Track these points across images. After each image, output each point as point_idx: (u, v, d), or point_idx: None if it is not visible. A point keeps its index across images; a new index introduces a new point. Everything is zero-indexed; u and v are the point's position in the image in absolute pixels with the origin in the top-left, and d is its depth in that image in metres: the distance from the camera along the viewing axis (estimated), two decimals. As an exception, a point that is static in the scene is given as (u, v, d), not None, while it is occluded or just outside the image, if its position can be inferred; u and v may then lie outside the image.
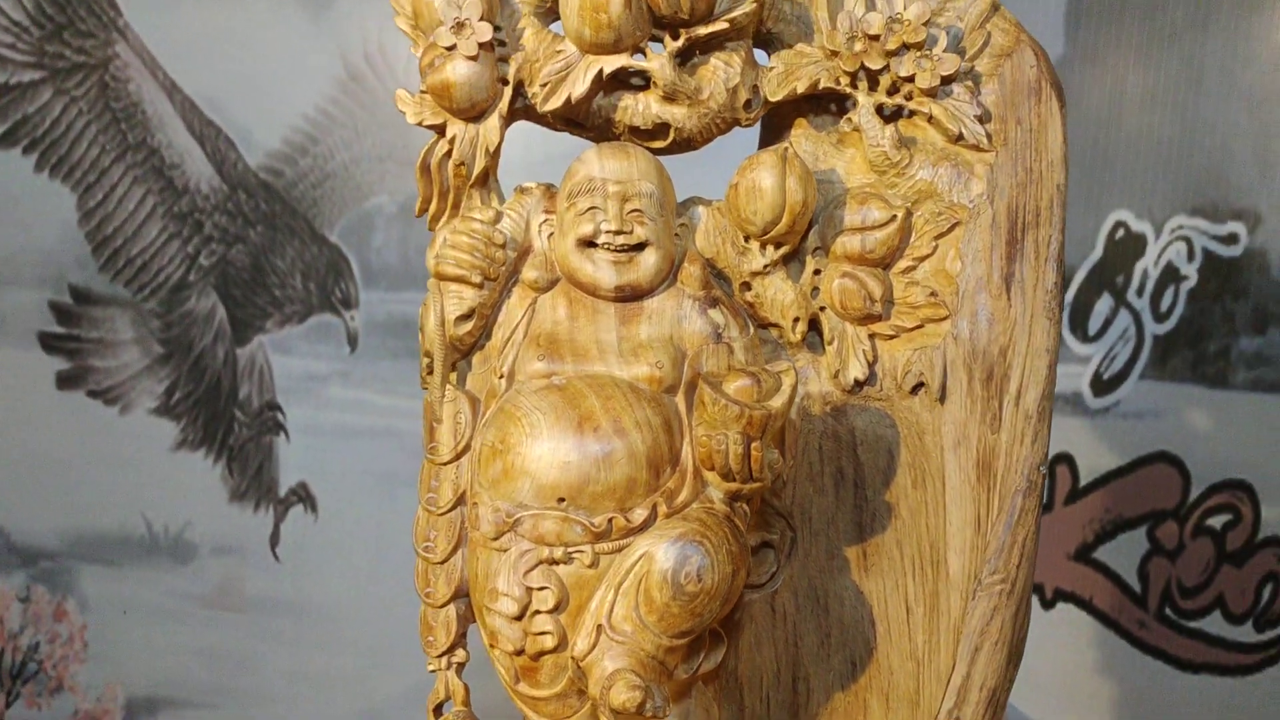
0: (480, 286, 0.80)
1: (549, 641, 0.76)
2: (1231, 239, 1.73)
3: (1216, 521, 1.79)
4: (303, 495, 1.90)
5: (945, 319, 0.80)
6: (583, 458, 0.75)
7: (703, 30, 0.78)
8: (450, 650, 0.84)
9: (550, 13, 0.82)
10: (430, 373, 0.82)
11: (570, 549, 0.75)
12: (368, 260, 1.84)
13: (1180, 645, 1.81)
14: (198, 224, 1.86)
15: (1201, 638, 1.80)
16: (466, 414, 0.81)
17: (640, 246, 0.79)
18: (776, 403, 0.73)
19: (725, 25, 0.78)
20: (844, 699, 0.86)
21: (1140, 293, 1.77)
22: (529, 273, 0.82)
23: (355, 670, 1.89)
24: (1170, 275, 1.75)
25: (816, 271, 0.82)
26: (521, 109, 0.83)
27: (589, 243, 0.79)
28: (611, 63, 0.78)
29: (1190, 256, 1.74)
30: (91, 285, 1.87)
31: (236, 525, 1.90)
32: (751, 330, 0.82)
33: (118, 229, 1.85)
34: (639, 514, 0.75)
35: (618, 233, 0.78)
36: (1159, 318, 1.77)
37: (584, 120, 0.83)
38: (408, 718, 1.84)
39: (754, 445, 0.73)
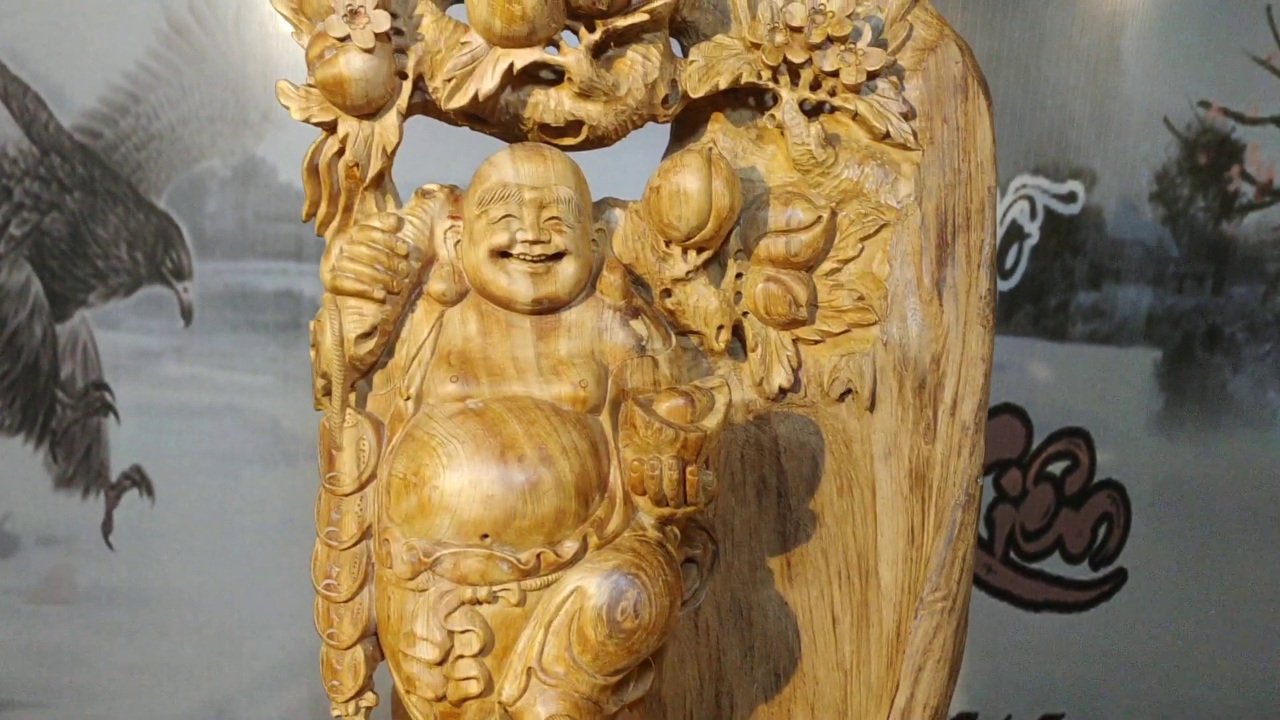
0: (382, 301, 0.73)
1: (474, 687, 0.70)
2: (1071, 197, 1.78)
3: (1056, 468, 1.87)
4: (137, 479, 1.79)
5: (873, 324, 0.77)
6: (507, 490, 0.69)
7: (621, 22, 0.72)
8: (358, 694, 0.77)
9: (449, -3, 0.75)
10: (327, 394, 0.74)
11: (495, 588, 0.70)
12: (200, 228, 1.71)
13: (1024, 586, 1.89)
14: (5, 190, 1.70)
15: (1043, 578, 1.89)
16: (370, 440, 0.74)
17: (558, 256, 0.73)
18: (711, 423, 0.69)
19: (645, 16, 0.72)
20: (768, 710, 0.84)
21: (987, 250, 1.80)
22: (435, 285, 0.75)
23: (200, 659, 1.80)
24: (1015, 233, 1.79)
25: (738, 275, 0.78)
26: (420, 104, 0.75)
27: (503, 253, 0.73)
28: (524, 57, 0.72)
29: (1033, 215, 1.79)
30: (-118, 261, 1.70)
31: (63, 514, 1.77)
32: (674, 340, 0.78)
33: (-92, 197, 1.68)
34: (569, 547, 0.70)
35: (535, 242, 0.72)
36: (1004, 274, 1.81)
37: (489, 117, 0.76)
38: (256, 705, 1.78)
39: (689, 469, 0.69)
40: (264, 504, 1.72)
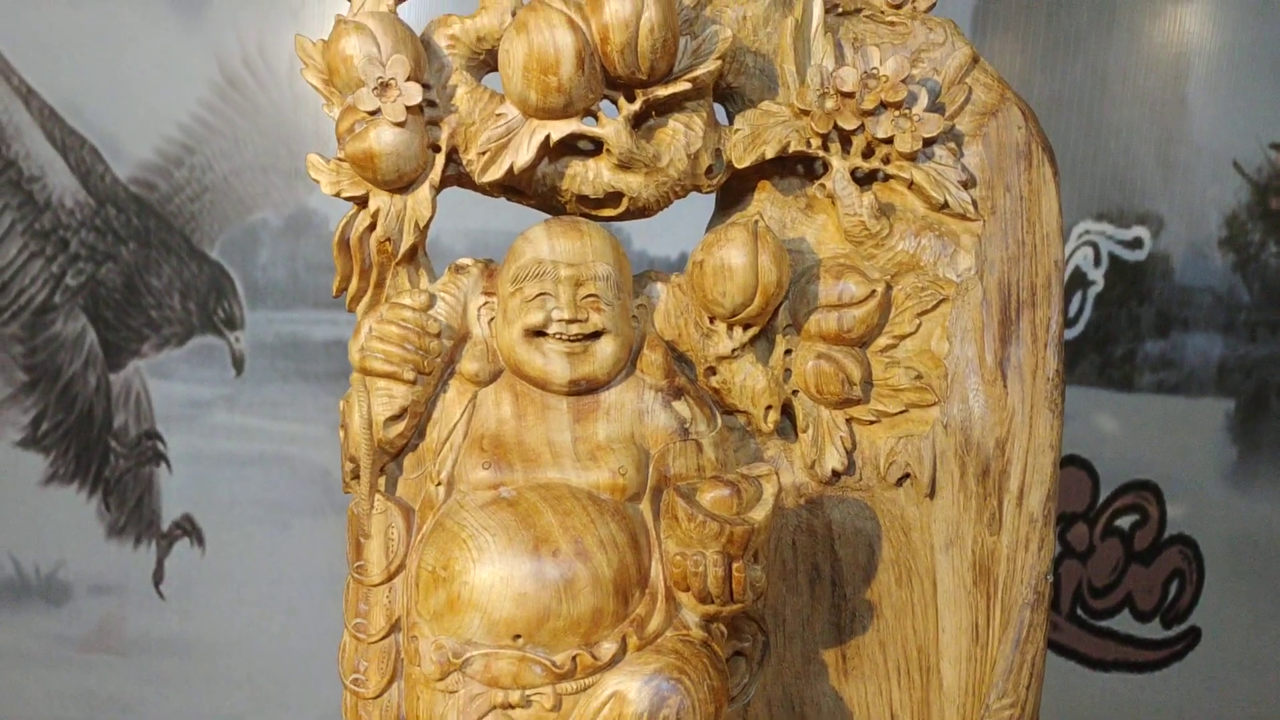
0: (413, 382, 0.70)
1: (507, 795, 0.67)
2: (1136, 243, 1.74)
3: (1125, 522, 1.81)
4: (188, 528, 1.79)
5: (933, 405, 0.72)
6: (541, 587, 0.65)
7: (662, 91, 0.69)
8: (388, 794, 0.74)
9: (485, 65, 0.72)
10: (355, 478, 0.71)
11: (529, 691, 0.66)
12: (253, 278, 1.72)
13: (1091, 644, 1.83)
14: (62, 241, 1.72)
15: (1111, 636, 1.83)
16: (399, 527, 0.71)
17: (596, 335, 0.70)
18: (759, 515, 0.65)
19: (687, 85, 0.69)
20: (821, 812, 0.79)
21: (1050, 298, 1.76)
22: (468, 364, 0.72)
23: (248, 709, 1.80)
24: (1078, 280, 1.74)
25: (787, 352, 0.74)
26: (454, 176, 0.72)
27: (538, 332, 0.70)
28: (560, 128, 0.69)
29: (1097, 261, 1.75)
30: (-57, 310, 1.72)
31: (115, 562, 1.78)
32: (719, 422, 0.74)
33: (-30, 248, 1.70)
34: (607, 648, 0.66)
35: (571, 321, 0.69)
36: (1067, 323, 1.77)
37: (525, 189, 0.73)
38: (304, 755, 1.76)
39: (735, 565, 0.65)
40: (313, 554, 1.72)
